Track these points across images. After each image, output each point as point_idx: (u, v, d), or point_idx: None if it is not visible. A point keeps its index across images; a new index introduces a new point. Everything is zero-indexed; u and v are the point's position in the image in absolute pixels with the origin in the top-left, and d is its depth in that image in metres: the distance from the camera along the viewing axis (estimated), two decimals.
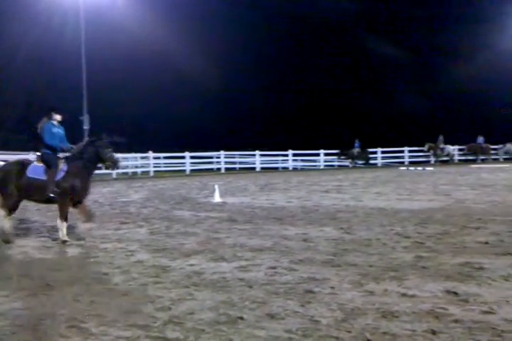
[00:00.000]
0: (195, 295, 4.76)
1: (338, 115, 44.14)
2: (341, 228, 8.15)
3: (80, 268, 6.05)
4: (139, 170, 27.98)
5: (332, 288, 4.88)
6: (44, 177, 7.56)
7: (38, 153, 8.07)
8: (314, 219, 9.22)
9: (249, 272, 5.54)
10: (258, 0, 41.97)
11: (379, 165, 31.93)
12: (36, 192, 7.59)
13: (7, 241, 7.46)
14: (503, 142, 32.65)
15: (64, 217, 7.54)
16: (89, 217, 7.79)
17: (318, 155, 31.22)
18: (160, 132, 38.61)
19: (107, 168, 8.31)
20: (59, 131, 7.92)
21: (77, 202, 7.70)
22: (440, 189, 14.74)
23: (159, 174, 26.90)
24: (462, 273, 5.31)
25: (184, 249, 6.83)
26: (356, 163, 30.91)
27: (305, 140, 35.56)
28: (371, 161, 31.63)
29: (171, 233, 8.10)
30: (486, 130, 32.85)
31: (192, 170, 27.94)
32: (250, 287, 4.97)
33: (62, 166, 7.65)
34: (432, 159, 32.04)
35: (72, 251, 6.98)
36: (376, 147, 31.80)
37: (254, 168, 30.11)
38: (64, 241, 7.42)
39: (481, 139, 32.09)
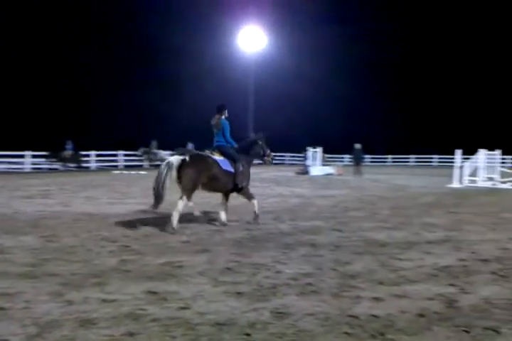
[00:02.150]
0: None
1: (49, 114, 41.46)
2: (43, 236, 7.57)
3: None
4: None
5: (27, 301, 4.45)
6: (233, 170, 8.55)
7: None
8: (12, 228, 8.31)
9: None
10: None
11: (92, 168, 31.22)
12: (227, 183, 8.55)
13: (171, 232, 7.94)
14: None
15: (252, 197, 9.00)
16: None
17: (23, 156, 28.62)
18: None
19: (265, 163, 9.57)
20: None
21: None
22: (150, 192, 15.19)
23: None
24: (164, 272, 5.53)
25: None
26: (68, 166, 29.49)
27: (9, 140, 32.10)
28: (84, 164, 30.69)
29: None
30: (195, 137, 35.71)
31: None
32: None
33: None
34: (146, 163, 33.06)
35: None
36: (90, 150, 31.02)
37: None
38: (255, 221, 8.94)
39: (190, 145, 34.75)
